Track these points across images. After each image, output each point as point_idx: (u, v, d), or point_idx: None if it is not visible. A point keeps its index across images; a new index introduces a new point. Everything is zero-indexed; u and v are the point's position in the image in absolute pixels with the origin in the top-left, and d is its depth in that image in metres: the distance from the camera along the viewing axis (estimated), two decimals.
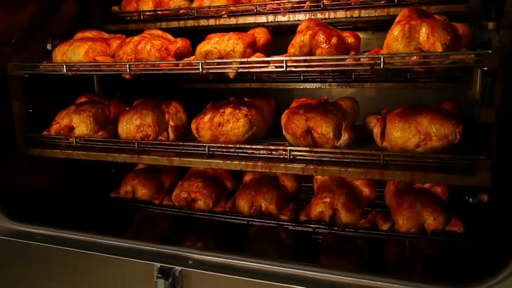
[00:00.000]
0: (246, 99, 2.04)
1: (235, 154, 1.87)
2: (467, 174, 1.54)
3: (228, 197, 2.33)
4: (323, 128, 1.79)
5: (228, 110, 1.92)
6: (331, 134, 1.78)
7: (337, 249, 2.01)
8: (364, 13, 1.87)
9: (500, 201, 1.77)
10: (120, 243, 1.81)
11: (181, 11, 2.23)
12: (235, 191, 2.32)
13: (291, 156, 1.77)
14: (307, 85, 2.63)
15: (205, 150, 1.89)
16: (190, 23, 2.21)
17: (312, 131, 1.81)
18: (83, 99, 2.35)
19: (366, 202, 2.11)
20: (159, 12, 2.27)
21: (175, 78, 2.87)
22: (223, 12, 2.10)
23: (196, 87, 2.94)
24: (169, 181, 2.50)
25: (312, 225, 2.08)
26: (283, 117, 1.89)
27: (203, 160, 1.88)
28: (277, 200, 2.11)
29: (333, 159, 1.73)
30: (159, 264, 1.64)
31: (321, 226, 2.06)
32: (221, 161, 1.86)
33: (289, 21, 2.02)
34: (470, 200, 1.99)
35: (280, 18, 2.02)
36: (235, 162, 1.83)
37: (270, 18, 2.03)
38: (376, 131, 1.77)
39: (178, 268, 1.63)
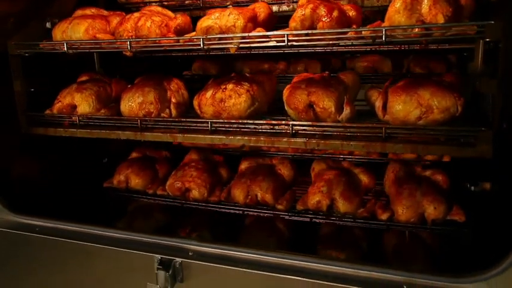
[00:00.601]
0: (247, 74, 2.04)
1: (238, 129, 1.87)
2: (468, 145, 1.55)
3: (223, 186, 2.29)
4: (325, 102, 1.79)
5: (230, 86, 1.93)
6: (333, 108, 1.79)
7: (335, 240, 2.00)
8: None
9: (502, 189, 1.76)
10: (120, 235, 1.83)
11: (186, 2, 2.24)
12: (230, 180, 2.29)
13: (293, 131, 1.78)
14: None
15: (207, 126, 1.90)
16: (196, 13, 2.23)
17: (314, 106, 1.82)
18: (84, 78, 2.35)
19: (364, 191, 2.09)
20: (165, 3, 2.28)
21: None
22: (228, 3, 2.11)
23: (196, 79, 2.92)
24: (164, 171, 2.48)
25: (309, 215, 2.05)
26: (285, 92, 1.89)
27: (206, 136, 1.89)
28: (273, 189, 2.09)
29: (335, 133, 1.74)
30: (159, 256, 1.66)
31: (318, 216, 2.03)
32: (224, 137, 1.87)
33: None
34: (472, 188, 1.99)
35: None
36: (238, 137, 1.85)
37: None
38: (378, 104, 1.77)
39: (179, 260, 1.65)
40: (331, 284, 1.48)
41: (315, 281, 1.49)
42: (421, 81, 1.74)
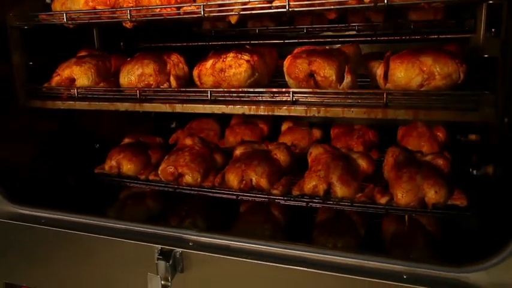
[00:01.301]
0: (248, 46, 2.03)
1: (238, 99, 1.86)
2: (470, 109, 1.53)
3: (217, 172, 2.24)
4: (326, 71, 1.77)
5: (230, 56, 1.91)
6: (333, 77, 1.77)
7: (332, 225, 1.95)
8: None
9: (506, 173, 1.74)
10: (120, 225, 1.82)
11: None
12: (225, 166, 2.22)
13: (294, 99, 1.77)
14: None
15: (207, 96, 1.88)
16: None
17: (315, 75, 1.80)
18: (83, 53, 2.33)
19: (362, 176, 2.03)
20: None
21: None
22: None
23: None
24: (157, 156, 2.43)
25: (305, 199, 1.99)
26: (286, 62, 1.88)
27: (205, 105, 1.87)
28: (268, 174, 2.03)
29: (336, 101, 1.73)
30: (159, 246, 1.65)
31: (314, 200, 1.98)
32: (224, 106, 1.85)
33: None
34: (474, 172, 1.96)
35: None
36: (238, 106, 1.83)
37: None
38: (379, 72, 1.76)
39: (179, 250, 1.63)
40: (331, 273, 1.46)
41: (315, 270, 1.48)
42: (423, 49, 1.73)
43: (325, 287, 1.47)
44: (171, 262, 1.62)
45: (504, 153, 1.80)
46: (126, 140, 2.56)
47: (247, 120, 2.79)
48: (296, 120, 2.73)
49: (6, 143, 2.14)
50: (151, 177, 2.28)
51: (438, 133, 2.39)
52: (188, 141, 2.38)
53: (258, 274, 1.57)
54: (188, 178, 2.17)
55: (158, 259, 1.63)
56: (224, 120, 2.85)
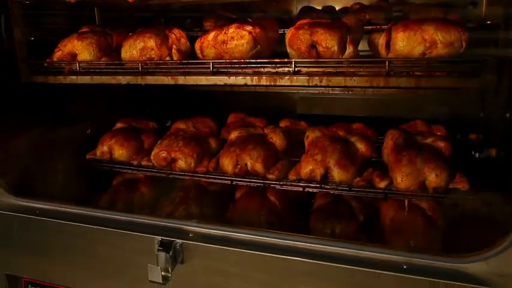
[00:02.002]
0: (249, 19, 2.02)
1: (240, 70, 1.86)
2: (472, 76, 1.54)
3: (212, 156, 2.18)
4: (328, 41, 1.78)
5: (232, 28, 1.91)
6: (335, 48, 1.77)
7: (330, 211, 1.92)
8: None
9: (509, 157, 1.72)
10: (120, 217, 1.81)
11: None
12: (220, 151, 2.17)
13: (296, 69, 1.77)
14: (311, 89, 2.61)
15: (209, 67, 1.88)
16: None
17: (317, 46, 1.80)
18: (85, 29, 2.33)
19: (361, 160, 1.98)
20: None
21: None
22: None
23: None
24: (149, 141, 2.37)
25: (301, 184, 1.94)
26: (288, 34, 1.88)
27: (208, 77, 1.87)
28: (264, 158, 1.98)
29: (338, 70, 1.73)
30: (159, 238, 1.64)
31: (311, 185, 1.93)
32: (226, 77, 1.85)
33: None
34: (477, 155, 1.93)
35: None
36: (240, 77, 1.83)
37: None
38: (382, 41, 1.76)
39: (179, 241, 1.63)
40: (329, 264, 1.46)
41: (316, 261, 1.47)
42: (425, 18, 1.73)
43: (323, 277, 1.47)
44: (171, 253, 1.61)
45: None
46: (118, 125, 2.50)
47: (244, 119, 2.68)
48: (293, 119, 2.61)
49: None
50: (143, 162, 2.23)
51: (438, 133, 2.35)
52: (181, 125, 2.34)
53: (257, 264, 1.57)
54: (181, 163, 2.12)
55: (158, 250, 1.63)
56: (221, 119, 2.74)
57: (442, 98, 2.41)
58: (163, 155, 2.15)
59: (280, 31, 2.06)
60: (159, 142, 2.22)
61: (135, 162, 2.27)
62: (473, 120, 2.33)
